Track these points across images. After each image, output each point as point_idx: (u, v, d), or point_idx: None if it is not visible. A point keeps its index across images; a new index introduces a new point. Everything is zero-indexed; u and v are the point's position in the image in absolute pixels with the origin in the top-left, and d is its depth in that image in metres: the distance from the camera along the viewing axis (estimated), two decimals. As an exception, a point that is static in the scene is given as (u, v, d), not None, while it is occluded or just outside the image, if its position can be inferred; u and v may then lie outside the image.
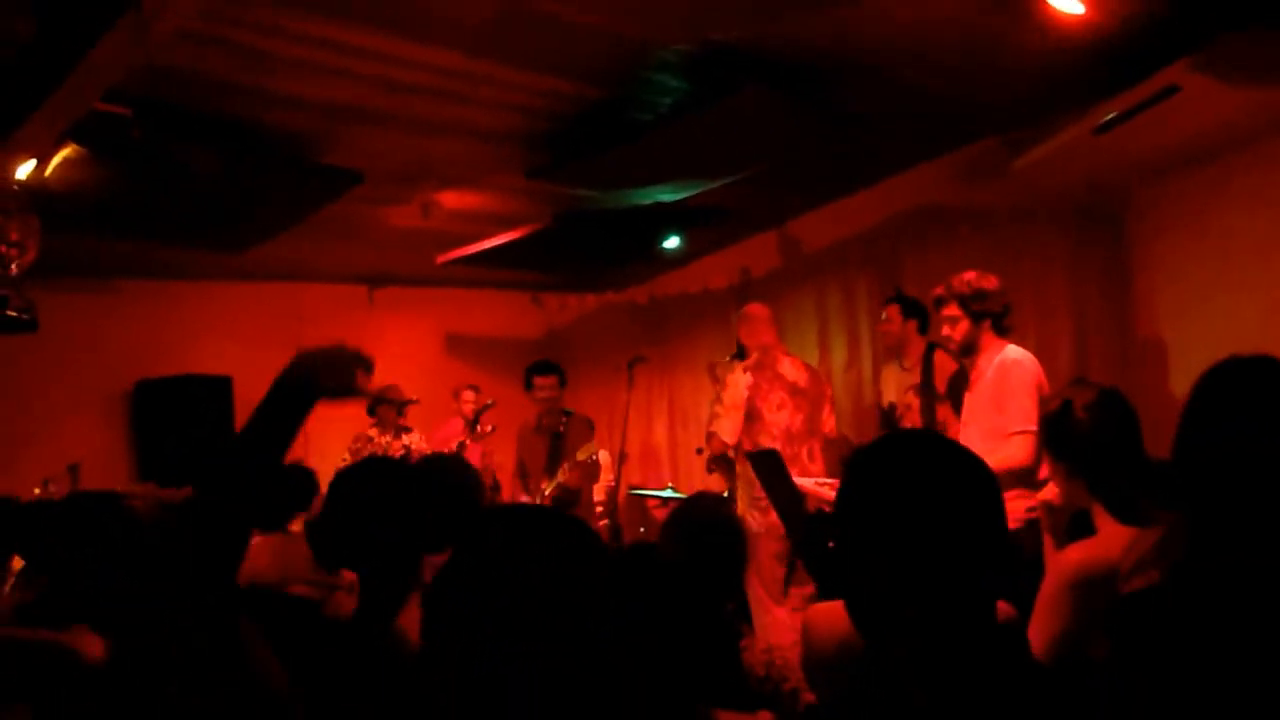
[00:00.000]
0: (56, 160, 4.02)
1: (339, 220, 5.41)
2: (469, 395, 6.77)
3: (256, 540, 3.39)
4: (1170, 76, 3.84)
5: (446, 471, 2.77)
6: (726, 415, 4.84)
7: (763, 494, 4.45)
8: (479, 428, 6.25)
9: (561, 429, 5.78)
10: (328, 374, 1.61)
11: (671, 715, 1.67)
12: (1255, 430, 1.57)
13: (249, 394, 6.97)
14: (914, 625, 1.13)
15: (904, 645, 1.14)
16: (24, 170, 3.90)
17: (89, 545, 1.87)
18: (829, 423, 5.00)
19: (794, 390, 4.85)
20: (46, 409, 6.24)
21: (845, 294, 6.38)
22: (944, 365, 4.57)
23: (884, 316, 5.21)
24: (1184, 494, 1.59)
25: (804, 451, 4.81)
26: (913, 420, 4.79)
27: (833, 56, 3.98)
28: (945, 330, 3.67)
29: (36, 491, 4.98)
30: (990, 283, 3.61)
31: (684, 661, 1.67)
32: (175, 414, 6.42)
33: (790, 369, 4.91)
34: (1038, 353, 3.83)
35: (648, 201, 5.60)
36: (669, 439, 7.79)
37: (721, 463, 5.17)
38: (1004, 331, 3.65)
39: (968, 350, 3.66)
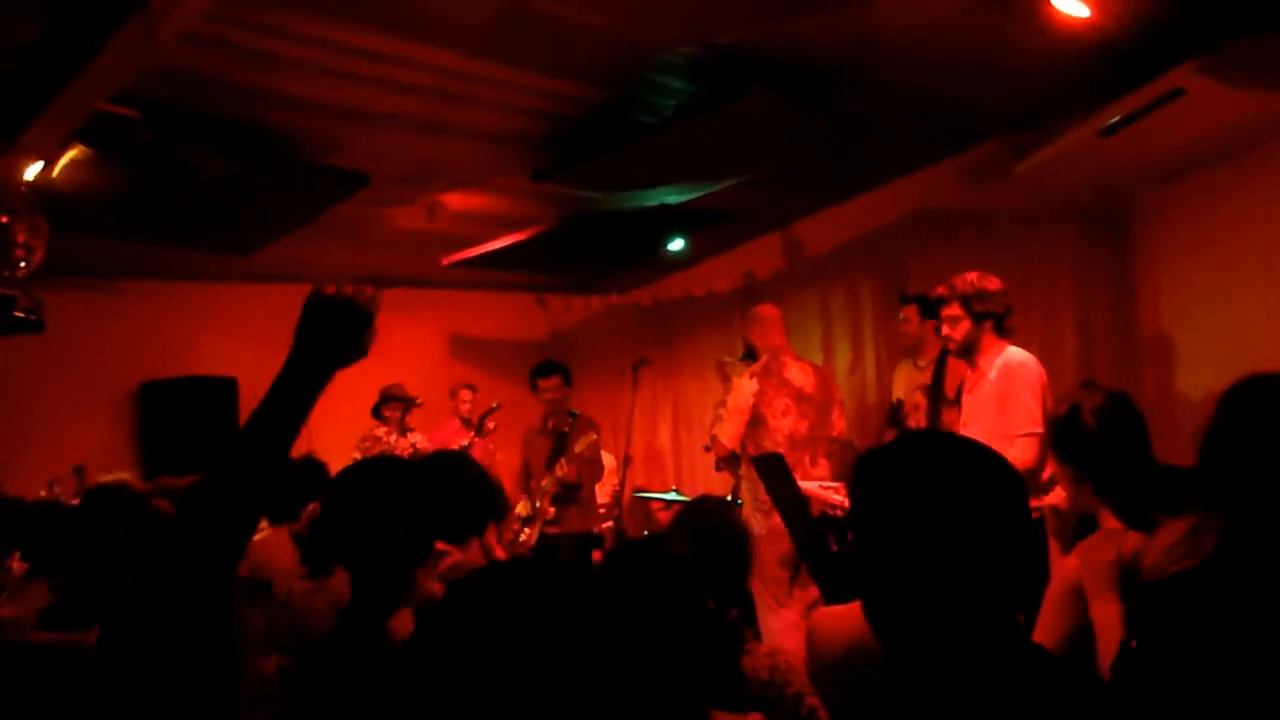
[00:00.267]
0: (64, 161, 4.04)
1: (344, 222, 5.43)
2: (466, 394, 6.79)
3: (270, 533, 3.40)
4: (1175, 80, 3.84)
5: (458, 469, 2.78)
6: (729, 419, 4.84)
7: (766, 497, 4.44)
8: (484, 428, 6.26)
9: (566, 429, 5.78)
10: (345, 339, 1.59)
11: (670, 712, 1.67)
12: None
13: (254, 395, 6.94)
14: (936, 626, 1.12)
15: (924, 647, 1.13)
16: (31, 171, 3.91)
17: (106, 542, 1.87)
18: (838, 425, 4.99)
19: (799, 396, 4.85)
20: (53, 409, 6.26)
21: (849, 296, 6.38)
22: (956, 370, 4.57)
23: (901, 316, 5.24)
24: (1213, 495, 1.67)
25: (807, 458, 4.81)
26: (918, 420, 4.79)
27: (837, 59, 3.98)
28: (946, 330, 3.68)
29: (43, 493, 4.99)
30: (993, 283, 3.62)
31: (685, 660, 1.66)
32: (181, 415, 6.44)
33: (797, 374, 4.91)
34: (1042, 355, 3.83)
35: (652, 204, 5.60)
36: (673, 441, 7.79)
37: (729, 463, 5.18)
38: (1005, 333, 3.65)
39: (968, 350, 3.67)
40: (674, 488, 7.03)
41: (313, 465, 3.68)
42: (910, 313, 5.18)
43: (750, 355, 5.07)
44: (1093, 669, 1.84)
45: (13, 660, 1.71)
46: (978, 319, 3.61)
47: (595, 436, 5.65)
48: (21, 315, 4.01)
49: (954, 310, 3.63)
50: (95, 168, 4.18)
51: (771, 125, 4.39)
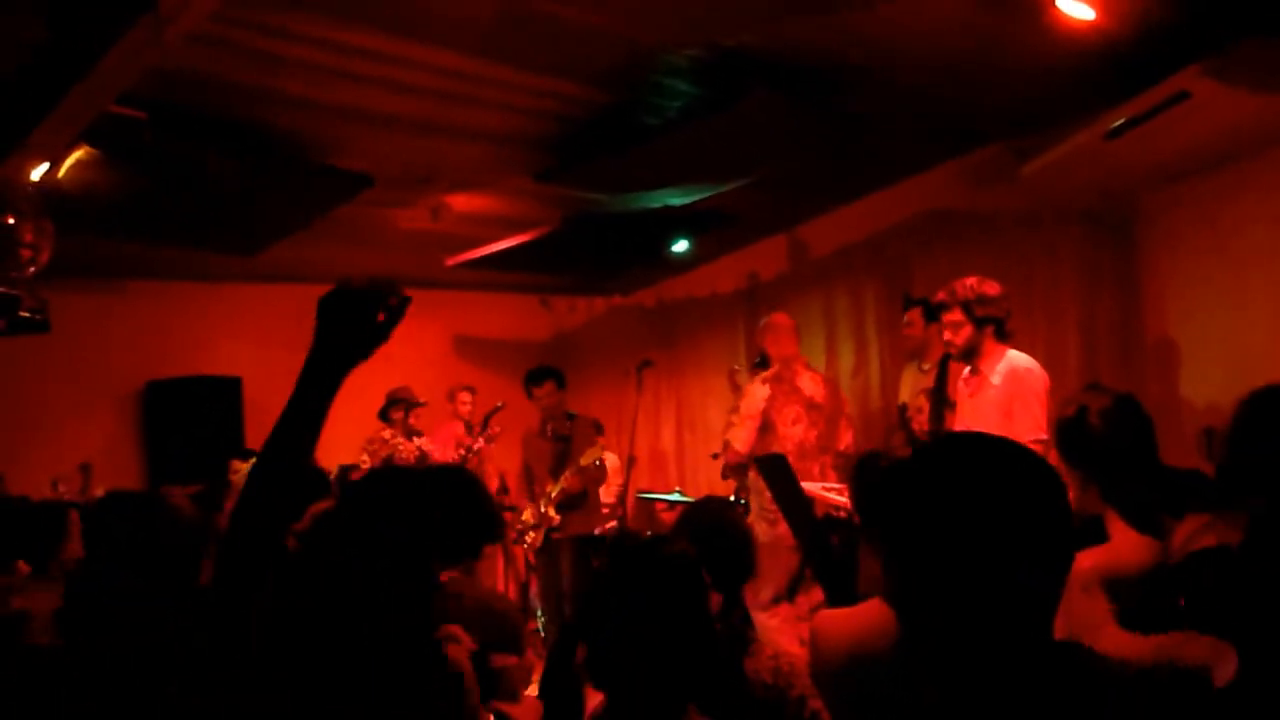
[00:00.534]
0: (70, 162, 4.05)
1: (348, 223, 5.43)
2: (465, 396, 6.79)
3: None
4: (1181, 82, 3.83)
5: (461, 488, 2.75)
6: (741, 425, 4.84)
7: (772, 505, 4.44)
8: (489, 429, 6.26)
9: (566, 432, 5.79)
10: (364, 337, 1.59)
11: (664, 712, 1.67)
12: None
13: (258, 395, 7.00)
14: (977, 628, 1.10)
15: (956, 648, 1.11)
16: (38, 172, 3.92)
17: (119, 544, 1.87)
18: (845, 438, 5.00)
19: (810, 405, 4.86)
20: (58, 409, 6.28)
21: (853, 299, 6.37)
22: (958, 373, 4.58)
23: (906, 319, 5.24)
24: (1235, 496, 1.83)
25: (815, 467, 4.81)
26: (921, 423, 4.80)
27: (842, 61, 3.98)
28: (948, 335, 3.68)
29: (49, 493, 5.01)
30: (993, 288, 3.62)
31: (685, 661, 1.66)
32: (185, 414, 6.46)
33: (809, 383, 4.91)
34: (1046, 357, 3.83)
35: (656, 205, 5.60)
36: (677, 443, 7.79)
37: (737, 471, 5.17)
38: (1006, 337, 3.66)
39: (970, 355, 3.67)
40: (677, 489, 7.03)
41: (313, 471, 3.69)
42: (915, 316, 5.18)
43: (763, 363, 5.07)
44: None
45: (29, 663, 1.72)
46: (979, 324, 3.62)
47: (600, 446, 5.66)
48: (28, 315, 4.03)
49: (955, 316, 3.63)
50: (101, 169, 4.19)
51: (775, 127, 4.39)
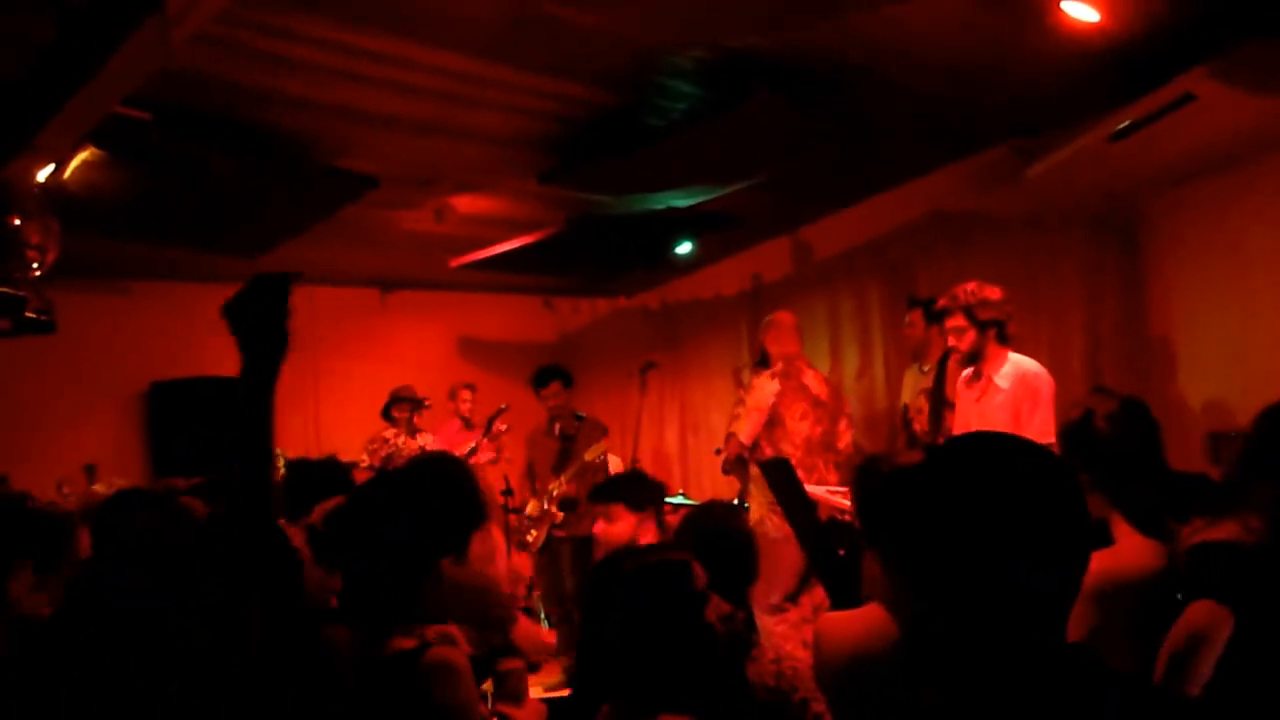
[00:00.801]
0: (75, 163, 4.06)
1: (352, 224, 5.44)
2: (466, 394, 6.80)
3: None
4: (1186, 84, 3.82)
5: (444, 475, 2.73)
6: (747, 417, 4.86)
7: (781, 499, 4.44)
8: (493, 429, 6.27)
9: (572, 432, 5.80)
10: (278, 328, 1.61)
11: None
12: None
13: (262, 396, 7.01)
14: (982, 632, 1.10)
15: (962, 651, 1.10)
16: (44, 173, 3.93)
17: (125, 543, 1.88)
18: (844, 438, 5.01)
19: (816, 402, 4.88)
20: (63, 409, 6.29)
21: (858, 300, 6.36)
22: (957, 373, 4.58)
23: (907, 321, 5.27)
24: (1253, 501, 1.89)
25: (821, 463, 4.83)
26: (921, 424, 4.81)
27: (846, 63, 3.97)
28: (953, 340, 3.73)
29: (54, 496, 5.01)
30: (994, 292, 3.66)
31: (680, 667, 1.66)
32: (190, 415, 6.47)
33: (813, 381, 4.94)
34: (1051, 360, 3.83)
35: (660, 207, 5.60)
36: (680, 445, 7.78)
37: (738, 465, 5.18)
38: (1008, 340, 3.68)
39: (974, 359, 3.70)
40: (680, 491, 7.02)
41: (335, 466, 3.71)
42: (915, 317, 5.22)
43: (763, 362, 5.08)
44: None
45: (32, 662, 1.72)
46: (982, 327, 3.65)
47: (604, 444, 5.66)
48: (33, 316, 4.04)
49: (958, 321, 3.67)
50: (106, 170, 4.20)
51: (780, 129, 4.39)
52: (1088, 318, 5.14)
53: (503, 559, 6.69)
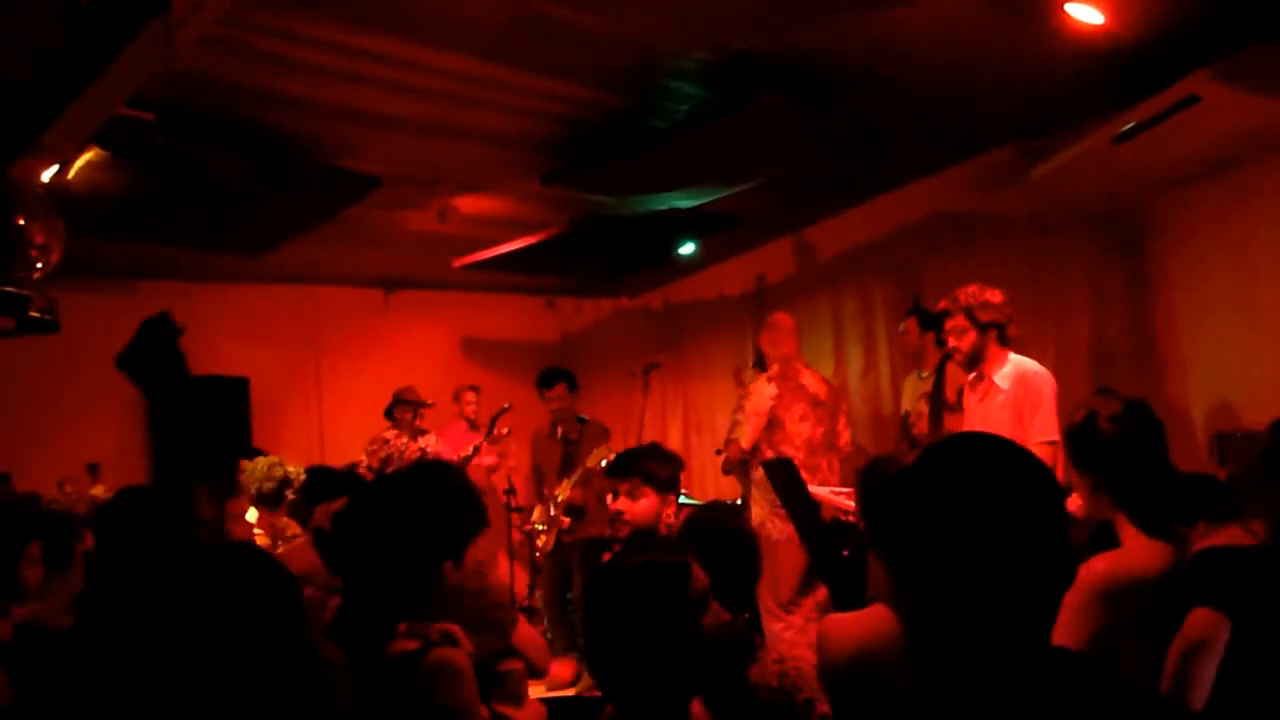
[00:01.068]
0: (80, 163, 4.07)
1: (355, 224, 5.45)
2: (470, 396, 6.80)
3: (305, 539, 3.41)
4: (1190, 86, 3.82)
5: (447, 478, 2.72)
6: (747, 421, 4.86)
7: (783, 501, 4.44)
8: (495, 430, 6.27)
9: (575, 436, 5.79)
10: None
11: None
12: None
13: (266, 395, 7.03)
14: (970, 630, 1.10)
15: (953, 650, 1.11)
16: (48, 173, 3.94)
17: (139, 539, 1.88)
18: (844, 436, 5.01)
19: (815, 402, 4.88)
20: (66, 409, 6.30)
21: (862, 302, 6.36)
22: (956, 376, 4.59)
23: (902, 328, 5.31)
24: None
25: (824, 463, 4.82)
26: (922, 428, 4.81)
27: (851, 64, 3.97)
28: (953, 342, 3.74)
29: (56, 495, 5.03)
30: (994, 294, 3.69)
31: (678, 668, 1.66)
32: (193, 415, 6.47)
33: (811, 381, 4.93)
34: (1056, 360, 3.84)
35: (663, 207, 5.61)
36: (683, 445, 7.78)
37: (738, 467, 5.18)
38: (1008, 342, 3.70)
39: (975, 360, 3.72)
40: (684, 492, 7.01)
41: (353, 477, 3.72)
42: (910, 324, 5.27)
43: (761, 364, 5.08)
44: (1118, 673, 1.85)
45: (36, 661, 1.73)
46: (982, 329, 3.68)
47: (607, 449, 5.65)
48: (37, 315, 4.04)
49: (959, 322, 3.69)
50: (110, 170, 4.21)
51: (783, 130, 4.39)
52: (1092, 319, 5.14)
53: (504, 562, 6.70)
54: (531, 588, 6.27)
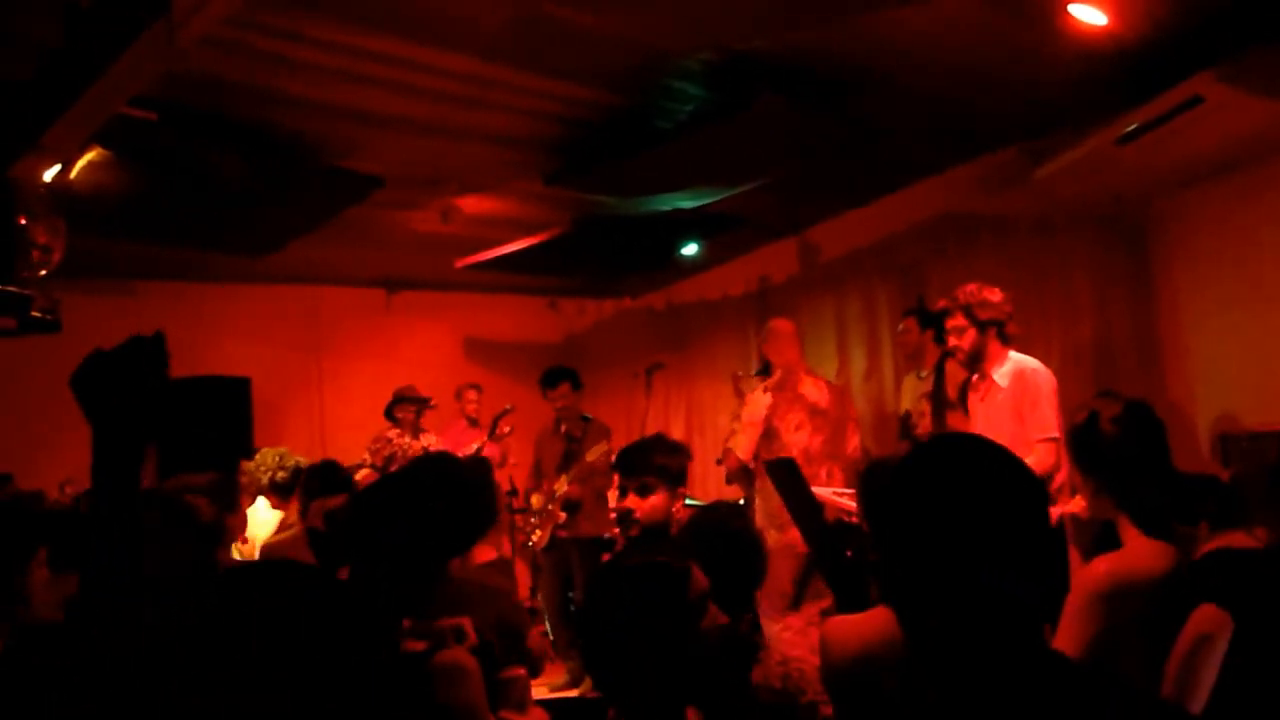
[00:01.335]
0: (82, 163, 4.07)
1: (358, 224, 5.45)
2: (472, 395, 6.80)
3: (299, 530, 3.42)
4: (1193, 87, 3.81)
5: (450, 474, 2.72)
6: (743, 431, 4.84)
7: (780, 511, 4.42)
8: (497, 430, 6.27)
9: (578, 434, 5.80)
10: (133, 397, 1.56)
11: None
12: None
13: (268, 395, 7.02)
14: (958, 633, 1.11)
15: (943, 652, 1.12)
16: (50, 173, 3.94)
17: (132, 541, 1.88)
18: (852, 443, 4.99)
19: (814, 411, 4.85)
20: (68, 409, 6.27)
21: (865, 302, 6.35)
22: (955, 374, 4.58)
23: (901, 328, 5.32)
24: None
25: (823, 472, 4.79)
26: (925, 427, 4.80)
27: (854, 65, 3.97)
28: (954, 340, 3.76)
29: (57, 495, 5.03)
30: (993, 293, 3.70)
31: (677, 670, 1.66)
32: (194, 415, 6.47)
33: (812, 389, 4.90)
34: (1059, 361, 3.83)
35: (666, 208, 5.60)
36: (687, 446, 7.77)
37: (740, 475, 5.16)
38: (1008, 340, 3.71)
39: (976, 359, 3.73)
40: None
41: (332, 468, 3.74)
42: (910, 324, 5.28)
43: (766, 371, 5.07)
44: (1118, 675, 1.85)
45: (35, 661, 1.72)
46: (982, 327, 3.69)
47: (607, 446, 5.65)
48: (39, 315, 4.04)
49: (959, 321, 3.70)
50: (112, 170, 4.21)
51: (786, 130, 4.39)
52: (1096, 319, 5.13)
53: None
54: (533, 589, 6.26)
